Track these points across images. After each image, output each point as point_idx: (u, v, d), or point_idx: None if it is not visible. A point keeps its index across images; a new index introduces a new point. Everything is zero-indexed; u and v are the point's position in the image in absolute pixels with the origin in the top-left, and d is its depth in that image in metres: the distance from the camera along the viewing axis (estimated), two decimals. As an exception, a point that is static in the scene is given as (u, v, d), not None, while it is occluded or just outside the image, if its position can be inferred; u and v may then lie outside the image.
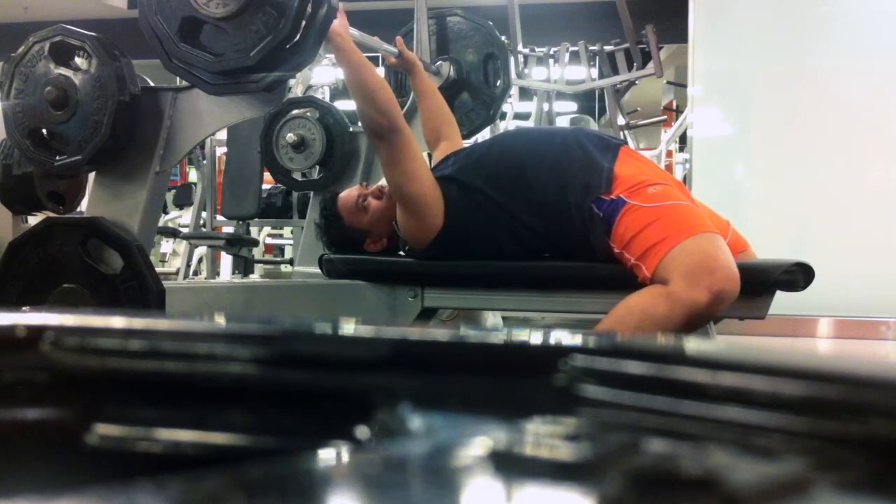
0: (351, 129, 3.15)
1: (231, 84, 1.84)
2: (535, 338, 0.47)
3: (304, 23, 1.77)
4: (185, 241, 5.37)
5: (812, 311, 3.55)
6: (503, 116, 5.34)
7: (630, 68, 4.82)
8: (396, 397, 0.44)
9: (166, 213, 6.65)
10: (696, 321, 1.78)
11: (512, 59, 4.32)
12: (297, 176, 3.37)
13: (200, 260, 5.68)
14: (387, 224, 2.23)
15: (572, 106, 8.94)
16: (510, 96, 5.03)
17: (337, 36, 1.96)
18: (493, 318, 3.03)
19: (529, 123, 5.66)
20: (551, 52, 5.12)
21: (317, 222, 2.38)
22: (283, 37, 1.74)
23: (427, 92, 2.56)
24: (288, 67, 1.83)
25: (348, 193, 2.32)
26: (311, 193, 3.27)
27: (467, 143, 3.07)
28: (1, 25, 7.60)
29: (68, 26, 1.99)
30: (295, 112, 3.25)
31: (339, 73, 4.44)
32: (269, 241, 7.40)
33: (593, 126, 6.57)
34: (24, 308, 1.86)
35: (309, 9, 1.76)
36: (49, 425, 0.53)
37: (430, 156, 2.65)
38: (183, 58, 1.80)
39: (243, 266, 5.29)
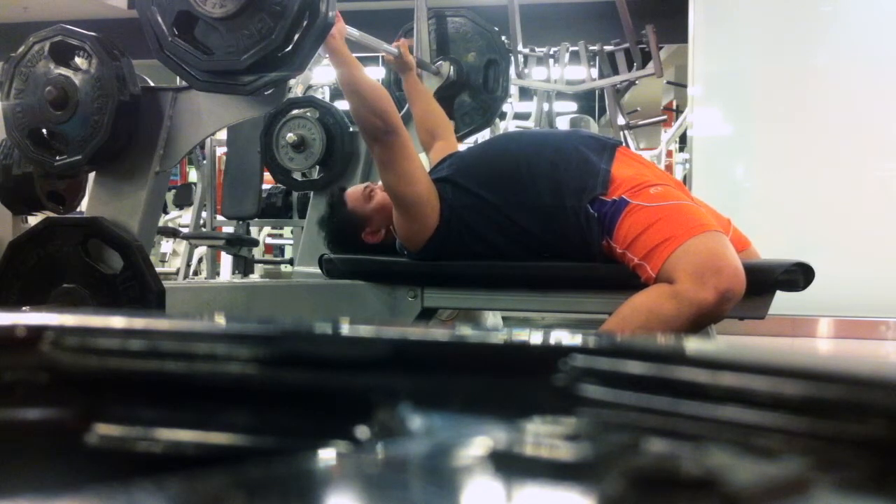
0: (351, 129, 3.15)
1: (220, 84, 1.84)
2: (535, 338, 0.47)
3: (299, 32, 1.76)
4: (185, 241, 5.37)
5: (812, 311, 3.55)
6: (503, 116, 5.34)
7: (630, 68, 4.81)
8: (396, 397, 0.44)
9: (166, 213, 6.64)
10: (703, 321, 1.77)
11: (512, 59, 4.32)
12: (297, 176, 3.38)
13: (200, 260, 5.67)
14: (388, 217, 2.24)
15: (572, 106, 8.94)
16: (510, 96, 5.02)
17: (332, 38, 1.96)
18: (493, 318, 3.03)
19: (529, 123, 5.66)
20: (551, 52, 5.11)
21: (321, 215, 2.43)
22: (277, 44, 1.74)
23: (418, 95, 2.57)
24: (279, 74, 1.83)
25: (356, 186, 2.44)
26: (312, 193, 3.28)
27: (463, 144, 3.07)
28: (1, 25, 7.60)
29: (68, 26, 1.99)
30: (295, 112, 3.26)
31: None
32: (269, 241, 7.40)
33: (593, 126, 6.56)
34: (24, 308, 1.87)
35: (305, 19, 1.76)
36: (49, 425, 0.53)
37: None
38: (174, 51, 1.80)
39: (243, 266, 5.28)
